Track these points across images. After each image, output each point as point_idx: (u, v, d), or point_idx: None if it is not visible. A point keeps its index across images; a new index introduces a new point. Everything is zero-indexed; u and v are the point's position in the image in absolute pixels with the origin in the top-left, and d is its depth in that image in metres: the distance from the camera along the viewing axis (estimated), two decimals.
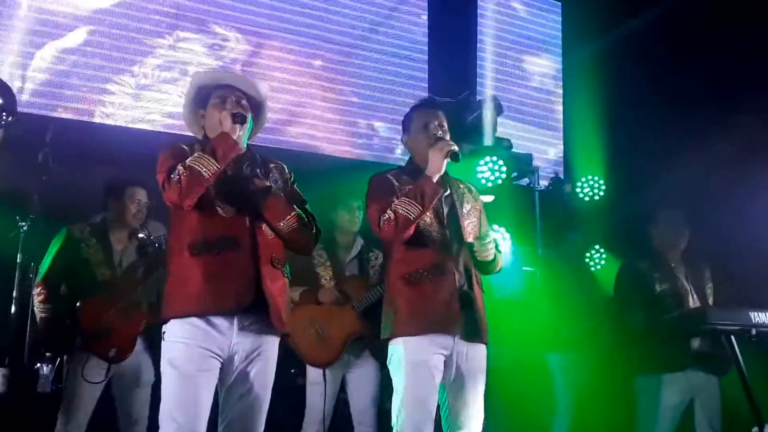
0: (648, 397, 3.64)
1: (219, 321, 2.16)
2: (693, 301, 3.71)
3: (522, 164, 5.36)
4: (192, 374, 2.12)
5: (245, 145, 2.36)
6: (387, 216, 2.44)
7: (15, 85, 4.45)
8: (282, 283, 2.30)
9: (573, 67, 6.76)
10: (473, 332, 2.52)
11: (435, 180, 2.47)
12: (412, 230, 2.47)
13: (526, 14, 6.99)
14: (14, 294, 4.41)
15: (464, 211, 2.65)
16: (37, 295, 3.43)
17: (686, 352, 3.53)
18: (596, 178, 5.57)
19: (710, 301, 3.77)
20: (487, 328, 2.59)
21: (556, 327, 4.60)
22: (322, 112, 5.72)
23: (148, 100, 5.05)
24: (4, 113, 2.30)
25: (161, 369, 2.19)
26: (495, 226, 4.98)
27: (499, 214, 5.02)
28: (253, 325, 2.21)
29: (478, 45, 6.59)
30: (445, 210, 2.59)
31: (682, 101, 5.57)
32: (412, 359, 2.43)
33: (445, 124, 2.66)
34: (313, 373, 3.48)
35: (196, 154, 2.17)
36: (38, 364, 3.93)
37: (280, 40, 5.58)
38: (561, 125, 6.75)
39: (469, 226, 2.63)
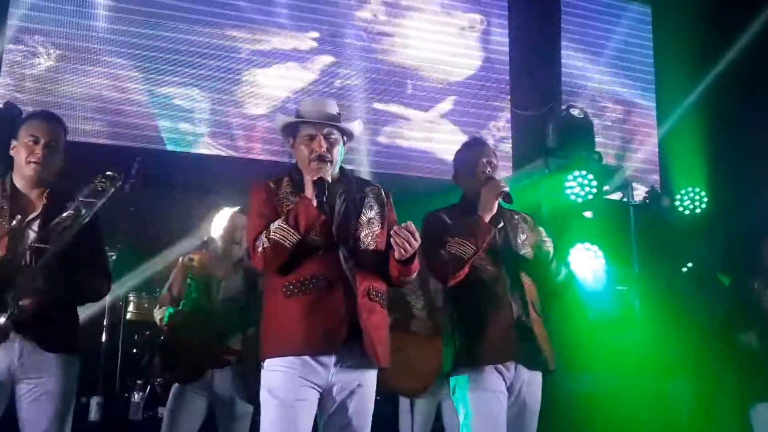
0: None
1: (318, 356, 2.24)
2: None
3: (614, 177, 5.33)
4: (291, 404, 2.19)
5: (338, 171, 2.42)
6: (440, 258, 2.60)
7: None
8: (380, 316, 2.33)
9: (667, 66, 6.58)
10: (532, 361, 2.66)
11: (487, 219, 2.63)
12: (467, 269, 2.61)
13: (612, 17, 6.97)
14: (104, 323, 4.80)
15: (518, 242, 2.77)
16: (157, 311, 3.62)
17: None
18: (697, 190, 5.45)
19: None
20: (550, 355, 2.72)
21: (658, 351, 4.53)
22: (407, 130, 5.90)
23: None
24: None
25: (261, 398, 2.26)
26: (587, 245, 4.98)
27: (592, 232, 4.99)
28: (351, 359, 2.26)
29: (562, 52, 6.61)
30: (499, 243, 2.72)
31: None
32: (478, 388, 2.59)
33: (495, 161, 2.82)
34: (404, 403, 3.57)
35: (279, 225, 2.24)
36: (130, 392, 4.25)
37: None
38: (655, 132, 6.63)
39: (525, 257, 2.77)
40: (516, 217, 2.86)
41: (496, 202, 2.67)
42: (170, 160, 5.25)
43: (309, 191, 2.28)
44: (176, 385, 3.30)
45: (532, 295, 2.72)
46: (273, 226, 2.24)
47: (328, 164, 2.33)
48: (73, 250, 2.41)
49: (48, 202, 2.49)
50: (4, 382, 2.40)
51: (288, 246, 2.23)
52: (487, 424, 2.56)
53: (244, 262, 3.42)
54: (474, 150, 2.86)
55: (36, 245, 2.36)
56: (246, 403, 3.33)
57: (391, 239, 2.23)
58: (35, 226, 2.43)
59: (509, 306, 2.64)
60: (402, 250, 2.22)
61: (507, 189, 2.66)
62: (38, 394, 2.40)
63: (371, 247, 2.33)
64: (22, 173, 2.50)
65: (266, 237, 2.24)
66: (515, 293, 2.67)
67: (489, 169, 2.79)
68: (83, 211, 2.41)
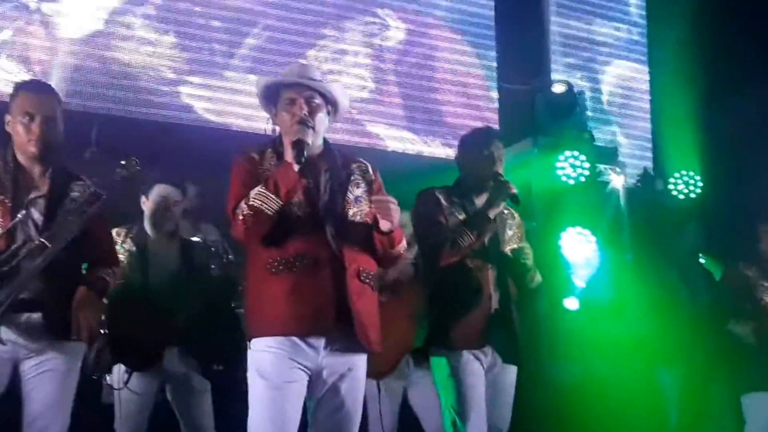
0: (760, 415, 3.63)
1: (306, 338, 2.24)
2: None
3: (606, 158, 5.32)
4: (281, 386, 2.21)
5: (322, 144, 2.41)
6: (435, 238, 2.82)
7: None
8: (371, 299, 2.32)
9: (661, 42, 6.48)
10: (507, 354, 2.87)
11: (492, 216, 2.85)
12: (460, 257, 2.80)
13: None
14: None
15: (506, 237, 2.97)
16: None
17: None
18: (692, 174, 5.48)
19: None
20: (519, 349, 2.92)
21: (649, 339, 4.63)
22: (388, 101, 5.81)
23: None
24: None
25: (248, 379, 2.26)
26: (579, 228, 5.03)
27: (582, 215, 5.04)
28: (341, 342, 2.26)
29: (551, 20, 6.54)
30: (490, 236, 2.92)
31: None
32: (459, 371, 2.79)
33: (502, 155, 2.97)
34: (370, 386, 3.49)
35: (258, 191, 2.22)
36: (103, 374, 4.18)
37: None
38: (648, 113, 6.57)
39: (508, 254, 2.97)
40: (505, 212, 3.02)
41: (504, 203, 2.88)
42: (132, 126, 5.10)
43: (289, 155, 2.26)
44: (126, 371, 3.24)
45: (513, 290, 2.92)
46: (252, 193, 2.22)
47: (310, 130, 2.28)
48: (78, 237, 2.39)
49: (52, 181, 2.49)
50: (8, 359, 2.41)
51: (269, 213, 2.20)
52: (469, 406, 2.75)
53: (179, 236, 3.44)
54: (483, 139, 3.01)
55: (40, 240, 2.36)
56: (203, 379, 3.33)
57: (371, 211, 2.29)
58: (40, 206, 2.44)
59: (489, 297, 2.83)
60: (389, 220, 2.25)
61: (515, 191, 2.85)
62: (43, 370, 2.42)
63: (360, 226, 2.32)
64: (24, 150, 2.47)
65: (246, 204, 2.22)
66: (498, 286, 2.87)
67: (496, 163, 2.92)
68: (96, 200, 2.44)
